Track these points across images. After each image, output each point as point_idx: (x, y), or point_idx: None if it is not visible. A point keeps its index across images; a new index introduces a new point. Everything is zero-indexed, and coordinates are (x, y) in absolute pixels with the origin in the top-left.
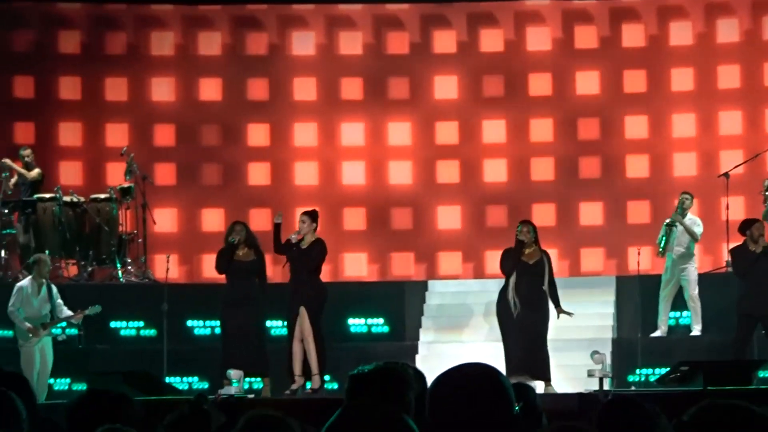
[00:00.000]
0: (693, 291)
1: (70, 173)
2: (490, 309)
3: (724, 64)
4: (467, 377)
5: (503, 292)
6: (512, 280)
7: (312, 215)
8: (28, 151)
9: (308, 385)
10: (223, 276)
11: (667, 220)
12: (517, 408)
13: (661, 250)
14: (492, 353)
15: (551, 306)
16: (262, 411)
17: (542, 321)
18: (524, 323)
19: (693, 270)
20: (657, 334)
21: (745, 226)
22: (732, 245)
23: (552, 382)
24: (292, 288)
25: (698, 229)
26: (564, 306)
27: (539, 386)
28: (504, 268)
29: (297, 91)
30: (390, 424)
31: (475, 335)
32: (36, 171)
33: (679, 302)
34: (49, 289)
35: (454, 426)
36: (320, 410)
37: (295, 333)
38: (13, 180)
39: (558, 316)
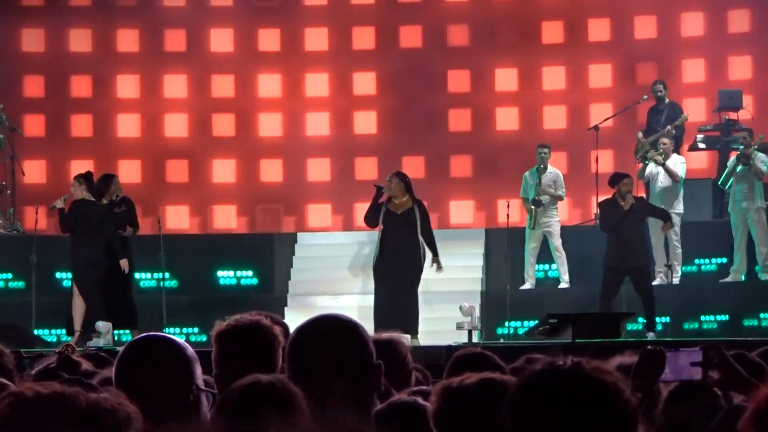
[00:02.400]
0: (557, 242)
1: None
2: (359, 261)
3: (594, 18)
4: (325, 328)
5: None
6: (379, 232)
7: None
8: None
9: None
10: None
11: (531, 198)
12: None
13: (529, 223)
14: (360, 306)
15: (426, 258)
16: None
17: (411, 274)
18: (391, 276)
19: (556, 222)
20: (526, 286)
21: (615, 179)
22: (601, 198)
23: (419, 335)
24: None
25: (561, 192)
26: (428, 258)
27: (405, 339)
28: (366, 220)
29: (168, 42)
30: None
31: (344, 287)
32: None
33: (547, 255)
34: None
35: (311, 377)
36: None
37: None
38: None
39: (434, 266)
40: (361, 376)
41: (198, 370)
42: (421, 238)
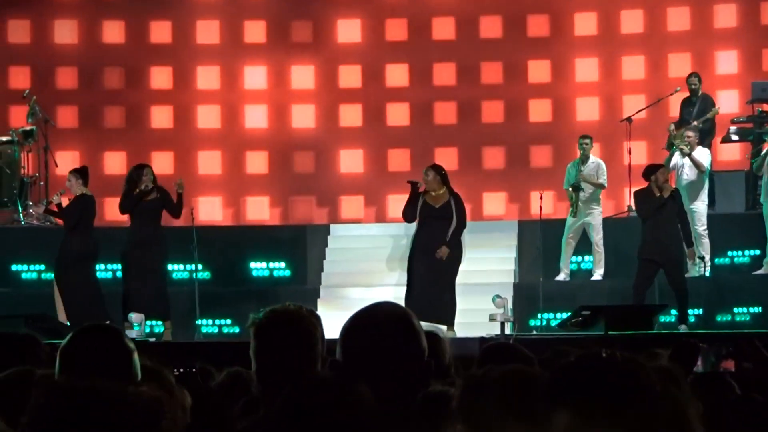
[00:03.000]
0: (597, 236)
1: None
2: (392, 253)
3: (627, 9)
4: (381, 317)
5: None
6: (416, 224)
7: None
8: None
9: None
10: (126, 218)
11: (572, 183)
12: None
13: (571, 211)
14: (394, 297)
15: (464, 252)
16: None
17: (449, 265)
18: (427, 269)
19: (598, 215)
20: (560, 277)
21: (650, 171)
22: (634, 188)
23: (455, 327)
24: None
25: (603, 179)
26: (466, 251)
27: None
28: (404, 214)
29: (200, 35)
30: None
31: (377, 279)
32: None
33: (581, 247)
34: None
35: (365, 365)
36: (222, 353)
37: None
38: None
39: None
40: (413, 369)
41: (137, 359)
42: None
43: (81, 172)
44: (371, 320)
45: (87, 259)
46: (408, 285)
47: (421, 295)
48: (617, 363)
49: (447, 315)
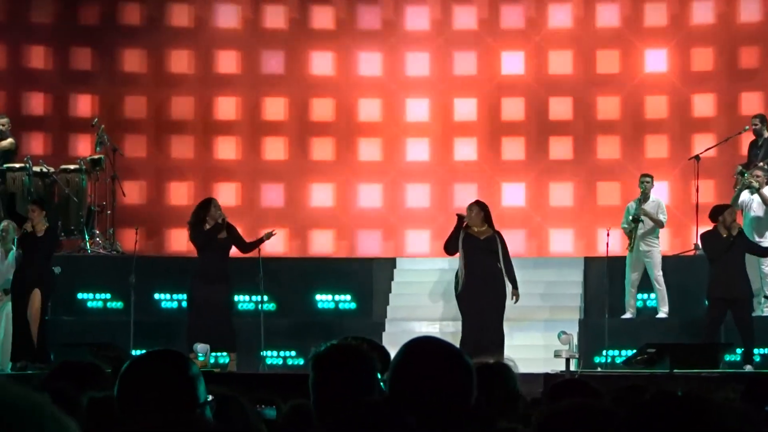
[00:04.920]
0: (657, 273)
1: (41, 143)
2: None
3: (698, 47)
4: (431, 352)
5: (459, 273)
6: (462, 258)
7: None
8: (5, 120)
9: None
10: (193, 249)
11: (632, 215)
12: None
13: (630, 245)
14: (458, 332)
15: (508, 285)
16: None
17: (497, 301)
18: (478, 303)
19: (657, 252)
20: (626, 316)
21: (717, 212)
22: (701, 229)
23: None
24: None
25: (663, 217)
26: (529, 287)
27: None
28: (446, 248)
29: (264, 65)
30: None
31: (442, 314)
32: (8, 141)
33: (647, 284)
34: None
35: (413, 398)
36: (287, 385)
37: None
38: None
39: (513, 299)
40: (463, 403)
41: (202, 386)
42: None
43: (39, 204)
44: (421, 355)
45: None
46: (463, 320)
47: (474, 330)
48: (692, 402)
49: (499, 350)
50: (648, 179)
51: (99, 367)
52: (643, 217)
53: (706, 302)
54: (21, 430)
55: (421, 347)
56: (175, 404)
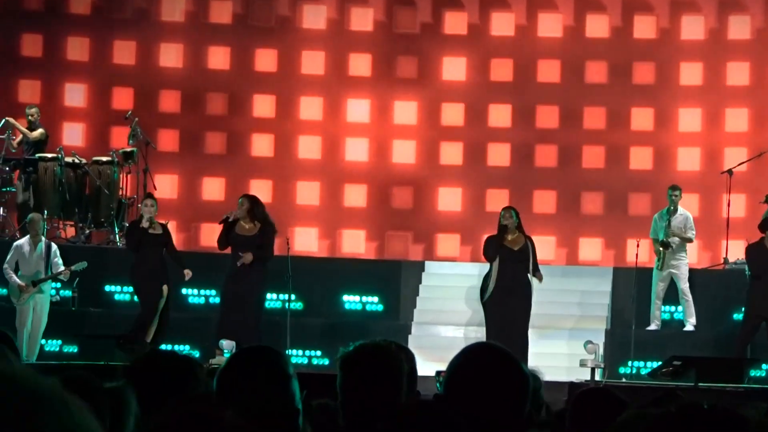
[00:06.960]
0: (684, 285)
1: (74, 134)
2: None
3: (733, 61)
4: (492, 357)
5: (486, 279)
6: (495, 266)
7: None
8: (34, 110)
9: None
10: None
11: (661, 239)
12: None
13: (657, 264)
14: (482, 338)
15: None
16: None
17: (524, 309)
18: (505, 310)
19: (684, 264)
20: (651, 327)
21: (767, 224)
22: (732, 244)
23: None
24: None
25: (691, 233)
26: (557, 295)
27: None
28: (487, 255)
29: (305, 65)
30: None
31: (469, 318)
32: (39, 131)
33: (673, 296)
34: (48, 248)
35: (468, 402)
36: (312, 384)
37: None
38: (17, 139)
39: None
40: (517, 411)
41: (296, 385)
42: (530, 275)
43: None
44: (482, 359)
45: None
46: (487, 326)
47: (505, 336)
48: (718, 414)
49: (524, 357)
50: (677, 192)
51: (195, 360)
52: (671, 239)
53: (742, 317)
54: (41, 419)
55: (483, 351)
56: (271, 401)
